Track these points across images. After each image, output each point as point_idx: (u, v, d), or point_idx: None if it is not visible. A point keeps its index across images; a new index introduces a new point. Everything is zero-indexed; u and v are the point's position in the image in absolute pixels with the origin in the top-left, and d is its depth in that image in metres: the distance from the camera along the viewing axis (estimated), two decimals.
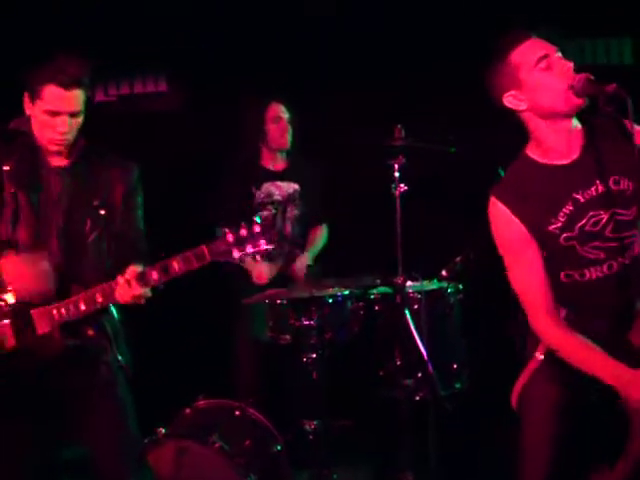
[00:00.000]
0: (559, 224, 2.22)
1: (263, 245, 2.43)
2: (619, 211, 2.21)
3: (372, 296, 3.68)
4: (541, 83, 2.17)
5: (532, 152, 2.29)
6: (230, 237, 2.44)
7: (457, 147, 3.57)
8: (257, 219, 2.44)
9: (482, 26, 4.19)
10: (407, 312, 3.49)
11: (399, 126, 3.57)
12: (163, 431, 3.15)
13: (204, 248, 2.44)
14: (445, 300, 3.68)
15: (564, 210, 2.21)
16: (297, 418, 3.59)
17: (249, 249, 2.44)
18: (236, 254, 2.44)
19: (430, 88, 4.47)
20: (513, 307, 2.82)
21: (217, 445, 3.10)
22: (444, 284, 3.68)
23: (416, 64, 4.54)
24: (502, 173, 3.07)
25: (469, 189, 4.13)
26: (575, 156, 2.24)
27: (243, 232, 2.43)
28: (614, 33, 4.53)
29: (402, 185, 3.56)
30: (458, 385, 3.69)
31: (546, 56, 2.17)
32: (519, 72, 2.19)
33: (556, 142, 2.23)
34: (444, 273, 3.66)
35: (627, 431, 2.11)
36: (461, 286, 3.71)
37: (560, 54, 2.21)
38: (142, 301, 2.48)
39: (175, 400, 3.39)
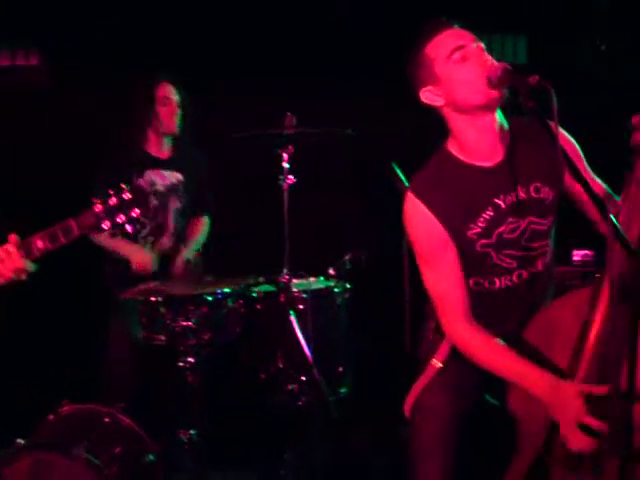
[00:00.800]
0: (478, 230, 2.13)
1: (134, 213, 2.27)
2: (536, 220, 2.16)
3: (255, 294, 3.48)
4: (455, 75, 2.06)
5: (454, 149, 2.18)
6: (98, 207, 2.27)
7: (352, 139, 3.47)
8: (127, 186, 2.29)
9: (377, 13, 4.17)
10: (292, 312, 3.35)
11: (289, 113, 3.41)
12: (22, 442, 2.81)
13: (71, 221, 2.27)
14: (332, 300, 3.51)
15: (484, 215, 2.13)
16: (172, 426, 3.35)
17: (120, 218, 2.27)
18: (106, 225, 2.27)
19: (327, 76, 4.33)
20: (403, 309, 2.86)
21: (83, 457, 2.81)
22: (331, 283, 3.53)
23: (313, 51, 4.40)
24: (397, 169, 2.99)
25: (362, 184, 4.12)
26: (499, 159, 2.14)
27: (112, 201, 2.27)
28: (510, 30, 4.51)
29: (290, 177, 3.40)
30: (344, 390, 3.54)
31: (461, 47, 2.06)
32: (434, 65, 2.09)
33: (478, 142, 2.13)
34: (332, 272, 3.51)
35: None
36: (349, 285, 3.57)
37: (481, 45, 2.09)
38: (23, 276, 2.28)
39: (37, 406, 3.10)
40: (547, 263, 2.23)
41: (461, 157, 2.15)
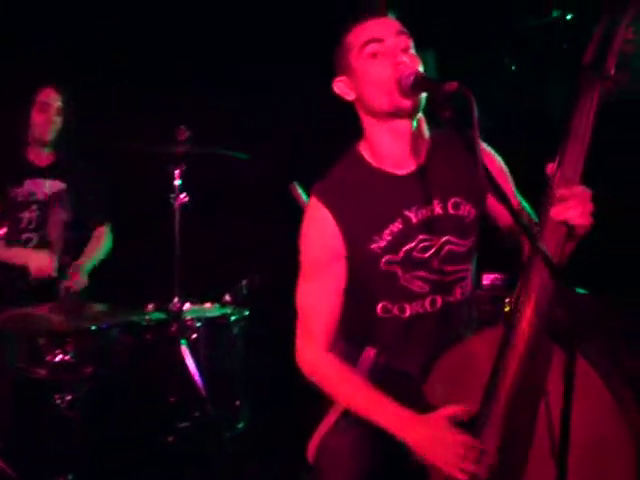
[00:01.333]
0: (383, 243, 1.90)
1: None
2: (453, 239, 1.94)
3: (144, 323, 3.23)
4: (364, 72, 1.86)
5: (365, 151, 1.98)
6: None
7: (250, 154, 3.33)
8: None
9: (277, 27, 3.99)
10: (184, 342, 3.19)
11: (183, 127, 3.25)
12: None
13: None
14: (228, 328, 3.34)
15: (392, 227, 1.91)
16: (50, 470, 3.01)
17: None
18: None
19: (224, 89, 4.08)
20: None
21: None
22: (227, 310, 3.38)
23: (215, 63, 4.16)
24: (300, 189, 2.85)
25: (260, 204, 3.91)
26: (413, 167, 1.94)
27: None
28: (419, 44, 4.33)
29: (183, 195, 3.26)
30: (241, 425, 3.37)
31: (375, 40, 1.84)
32: (350, 55, 1.89)
33: (390, 146, 1.92)
34: (228, 298, 3.36)
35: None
36: (247, 312, 3.40)
37: (405, 42, 1.87)
38: None
39: None
40: (467, 292, 2.00)
41: (371, 161, 1.95)
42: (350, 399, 1.87)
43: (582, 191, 1.58)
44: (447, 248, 1.93)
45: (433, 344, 1.92)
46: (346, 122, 2.01)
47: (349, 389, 1.87)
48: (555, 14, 4.01)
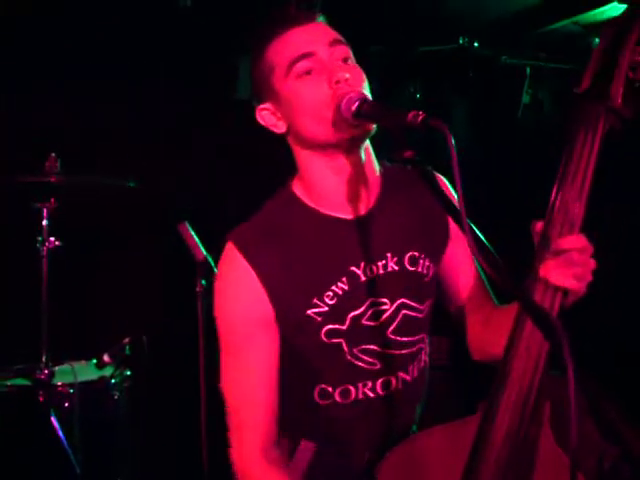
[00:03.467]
0: (324, 309, 1.53)
1: None
2: (410, 303, 1.60)
3: (4, 391, 2.87)
4: (294, 96, 1.50)
5: (300, 190, 1.61)
6: None
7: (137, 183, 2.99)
8: None
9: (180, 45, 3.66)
10: (53, 412, 2.79)
11: (53, 155, 2.89)
12: None
13: None
14: (107, 394, 2.97)
15: (334, 288, 1.54)
16: None
17: None
18: None
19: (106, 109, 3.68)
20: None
21: None
22: (106, 372, 3.00)
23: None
24: (190, 228, 2.62)
25: (146, 247, 3.54)
26: (362, 211, 1.57)
27: None
28: None
29: (53, 239, 2.92)
30: None
31: (307, 55, 1.48)
32: (273, 77, 1.53)
33: (332, 185, 1.55)
34: (106, 359, 2.97)
35: None
36: (129, 372, 3.06)
37: (344, 52, 1.52)
38: None
39: None
40: (423, 368, 1.67)
41: (309, 202, 1.58)
42: None
43: (582, 241, 1.27)
44: (402, 313, 1.59)
45: (384, 433, 1.60)
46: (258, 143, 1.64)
47: None
48: (461, 41, 3.92)
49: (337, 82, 1.44)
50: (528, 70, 3.93)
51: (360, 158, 1.55)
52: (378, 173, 1.61)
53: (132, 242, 3.60)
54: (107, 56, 3.54)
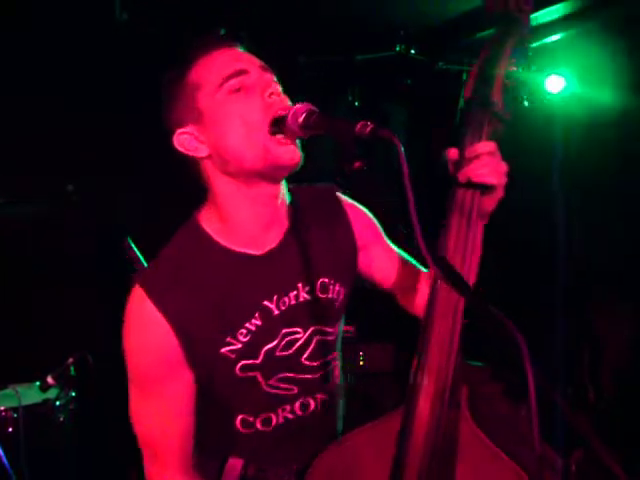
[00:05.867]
0: (238, 346, 1.50)
1: None
2: (322, 328, 1.59)
3: None
4: (226, 114, 1.44)
5: (208, 224, 1.54)
6: None
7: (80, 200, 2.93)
8: None
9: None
10: None
11: None
12: None
13: None
14: (52, 417, 2.87)
15: (248, 325, 1.51)
16: None
17: None
18: None
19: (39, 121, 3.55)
20: None
21: None
22: (51, 394, 2.89)
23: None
24: (132, 244, 2.66)
25: (87, 264, 3.51)
26: (273, 244, 1.54)
27: None
28: None
29: None
30: None
31: (240, 72, 1.44)
32: (198, 96, 1.46)
33: (249, 220, 1.51)
34: (50, 380, 2.85)
35: None
36: (74, 393, 2.97)
37: (273, 77, 1.49)
38: None
39: None
40: (337, 383, 1.67)
41: (219, 238, 1.52)
42: None
43: (491, 145, 1.37)
44: (315, 340, 1.59)
45: (309, 448, 1.58)
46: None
47: None
48: (398, 49, 3.93)
49: (271, 94, 1.43)
50: (464, 76, 3.96)
51: (280, 190, 1.52)
52: (288, 202, 1.58)
53: (73, 260, 3.47)
54: (44, 70, 3.48)
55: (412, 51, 3.91)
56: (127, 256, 2.64)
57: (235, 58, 1.47)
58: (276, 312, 1.53)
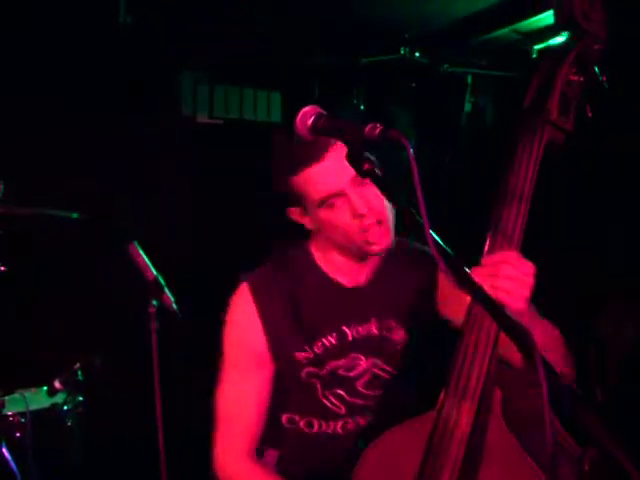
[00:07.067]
0: (311, 355, 1.82)
1: None
2: (380, 364, 1.85)
3: None
4: (325, 224, 1.75)
5: (316, 251, 1.88)
6: None
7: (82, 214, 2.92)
8: None
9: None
10: (4, 443, 2.69)
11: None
12: None
13: None
14: (60, 421, 2.89)
15: (324, 340, 1.82)
16: None
17: None
18: None
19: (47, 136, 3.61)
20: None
21: None
22: (58, 399, 2.89)
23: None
24: (139, 248, 2.51)
25: (94, 269, 3.60)
26: (362, 281, 1.86)
27: None
28: (264, 85, 4.29)
29: None
30: None
31: (337, 194, 1.68)
32: (304, 200, 1.75)
33: (342, 263, 1.84)
34: (58, 385, 2.82)
35: None
36: (81, 398, 2.98)
37: (360, 189, 1.68)
38: None
39: None
40: (382, 417, 1.86)
41: (324, 267, 1.86)
42: None
43: (517, 257, 1.31)
44: (373, 371, 1.85)
45: (339, 461, 1.83)
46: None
47: None
48: (403, 52, 3.94)
49: (360, 216, 1.66)
50: (469, 78, 3.98)
51: None
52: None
53: (80, 264, 3.54)
54: (49, 73, 3.51)
55: (416, 54, 3.93)
56: (134, 260, 2.64)
57: (331, 177, 1.65)
58: (350, 337, 1.81)
